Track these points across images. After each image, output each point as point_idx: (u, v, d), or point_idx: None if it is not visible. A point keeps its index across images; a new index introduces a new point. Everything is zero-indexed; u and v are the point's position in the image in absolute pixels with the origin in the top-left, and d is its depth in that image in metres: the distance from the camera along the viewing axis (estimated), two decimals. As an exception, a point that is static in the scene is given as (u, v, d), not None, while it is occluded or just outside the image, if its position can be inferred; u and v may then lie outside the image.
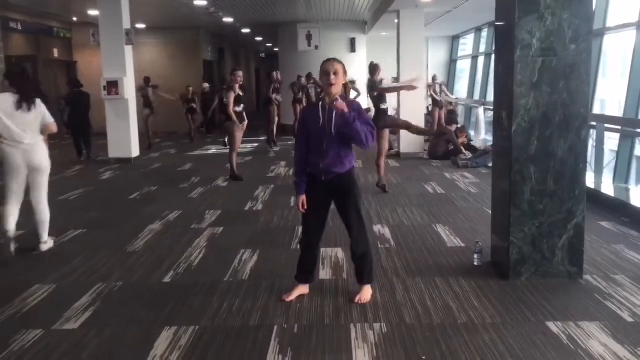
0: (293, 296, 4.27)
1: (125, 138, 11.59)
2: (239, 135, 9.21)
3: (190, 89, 16.02)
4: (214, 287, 4.53)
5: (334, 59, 4.07)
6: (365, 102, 11.94)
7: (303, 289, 4.35)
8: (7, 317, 4.05)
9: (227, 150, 9.61)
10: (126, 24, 11.40)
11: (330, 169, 4.03)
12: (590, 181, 7.46)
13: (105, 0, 11.30)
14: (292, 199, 7.80)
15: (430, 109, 15.28)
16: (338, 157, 4.02)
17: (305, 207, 4.11)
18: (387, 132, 8.27)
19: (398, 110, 11.95)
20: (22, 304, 4.28)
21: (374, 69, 8.24)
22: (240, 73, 9.32)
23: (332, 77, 3.96)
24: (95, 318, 4.03)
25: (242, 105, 9.16)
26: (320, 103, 4.10)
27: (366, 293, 4.24)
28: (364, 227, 4.22)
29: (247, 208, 7.39)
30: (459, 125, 13.22)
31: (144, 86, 14.04)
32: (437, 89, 14.93)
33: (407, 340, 3.60)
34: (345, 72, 4.07)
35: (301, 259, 4.35)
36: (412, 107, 11.53)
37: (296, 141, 4.25)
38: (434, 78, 15.39)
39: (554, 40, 4.41)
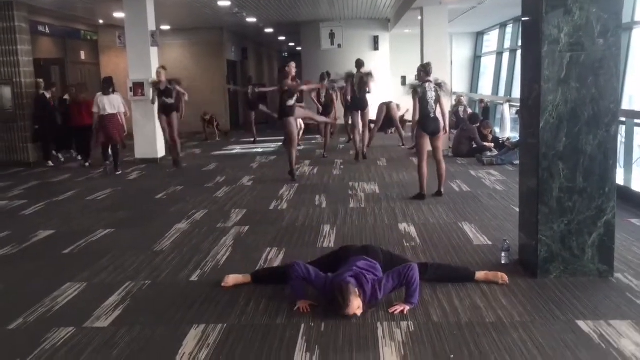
0: (229, 284, 4.54)
1: (151, 138, 11.71)
2: (293, 129, 9.11)
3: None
4: (241, 286, 4.54)
5: (349, 292, 3.83)
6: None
7: (246, 280, 4.59)
8: (38, 316, 4.13)
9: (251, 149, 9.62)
10: (151, 25, 11.52)
11: None
12: (619, 178, 7.32)
13: (131, 2, 11.45)
14: (317, 198, 7.83)
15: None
16: None
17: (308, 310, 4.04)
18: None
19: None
20: (53, 303, 4.36)
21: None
22: (292, 64, 9.39)
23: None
24: (124, 316, 4.08)
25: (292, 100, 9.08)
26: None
27: None
28: (410, 267, 4.11)
29: (272, 207, 7.42)
30: (482, 120, 12.95)
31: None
32: (461, 111, 14.20)
33: (435, 339, 3.58)
34: (357, 296, 3.86)
35: (276, 271, 4.64)
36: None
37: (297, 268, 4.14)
38: (459, 102, 14.60)
39: (582, 34, 4.34)
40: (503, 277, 4.44)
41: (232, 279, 4.58)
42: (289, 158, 9.27)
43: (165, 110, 10.66)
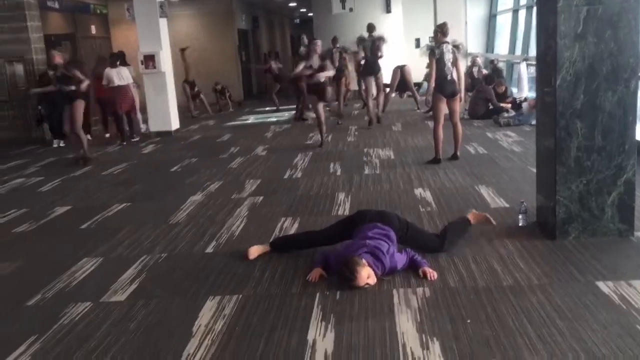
0: (254, 255, 4.51)
1: (165, 111, 11.67)
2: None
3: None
4: (256, 257, 4.54)
5: (355, 263, 3.79)
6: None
7: (267, 249, 4.61)
8: (56, 291, 4.17)
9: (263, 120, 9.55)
10: (159, -4, 11.38)
11: None
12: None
13: (138, -27, 11.29)
14: (332, 165, 7.77)
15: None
16: None
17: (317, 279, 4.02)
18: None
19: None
20: (71, 278, 4.39)
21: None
22: (318, 41, 9.51)
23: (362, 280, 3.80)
24: (141, 289, 4.10)
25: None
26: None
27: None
28: (431, 236, 4.52)
29: (286, 176, 7.39)
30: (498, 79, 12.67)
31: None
32: (475, 71, 14.02)
33: (451, 304, 3.54)
34: (364, 266, 3.80)
35: (293, 238, 4.80)
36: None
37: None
38: (474, 62, 14.31)
39: (599, -14, 4.17)
40: (489, 218, 4.70)
41: (254, 250, 4.57)
42: (320, 128, 9.22)
43: (66, 99, 8.90)
